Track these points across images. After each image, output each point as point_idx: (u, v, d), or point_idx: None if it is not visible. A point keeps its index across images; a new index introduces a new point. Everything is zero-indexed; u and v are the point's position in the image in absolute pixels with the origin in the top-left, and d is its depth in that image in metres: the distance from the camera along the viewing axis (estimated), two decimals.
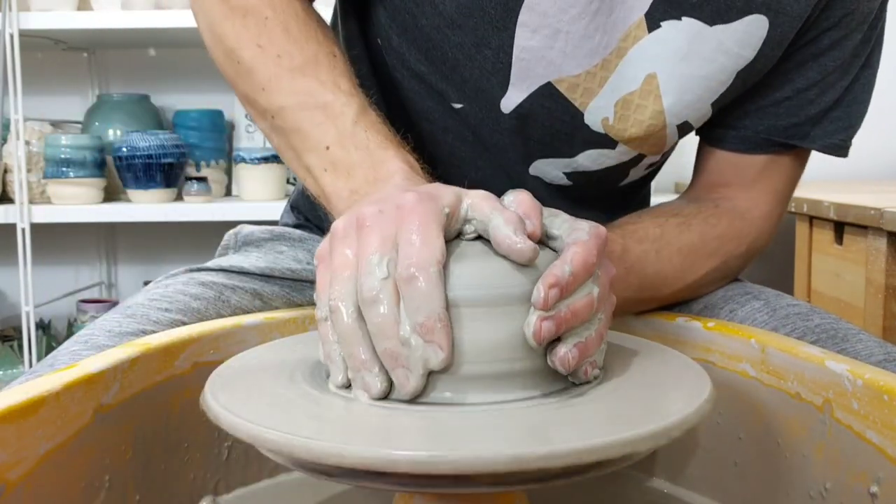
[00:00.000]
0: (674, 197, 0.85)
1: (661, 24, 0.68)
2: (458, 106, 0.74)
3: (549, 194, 0.79)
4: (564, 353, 0.46)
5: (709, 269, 0.74)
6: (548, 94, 0.71)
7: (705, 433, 0.62)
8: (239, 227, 0.87)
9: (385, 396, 0.45)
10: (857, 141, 0.77)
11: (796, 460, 0.55)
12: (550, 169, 0.77)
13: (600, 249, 0.48)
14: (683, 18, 0.68)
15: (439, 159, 0.77)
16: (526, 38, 0.68)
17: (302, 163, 0.64)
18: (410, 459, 0.39)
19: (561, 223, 0.50)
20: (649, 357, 0.53)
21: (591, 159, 0.76)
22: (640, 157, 0.77)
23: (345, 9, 0.81)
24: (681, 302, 0.75)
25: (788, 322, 0.69)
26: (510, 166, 0.77)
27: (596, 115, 0.72)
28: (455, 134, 0.77)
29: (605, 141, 0.74)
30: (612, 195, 0.84)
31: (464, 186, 0.50)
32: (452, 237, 0.48)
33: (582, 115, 0.72)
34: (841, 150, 0.76)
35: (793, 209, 1.56)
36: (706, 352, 0.62)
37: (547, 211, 0.50)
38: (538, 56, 0.69)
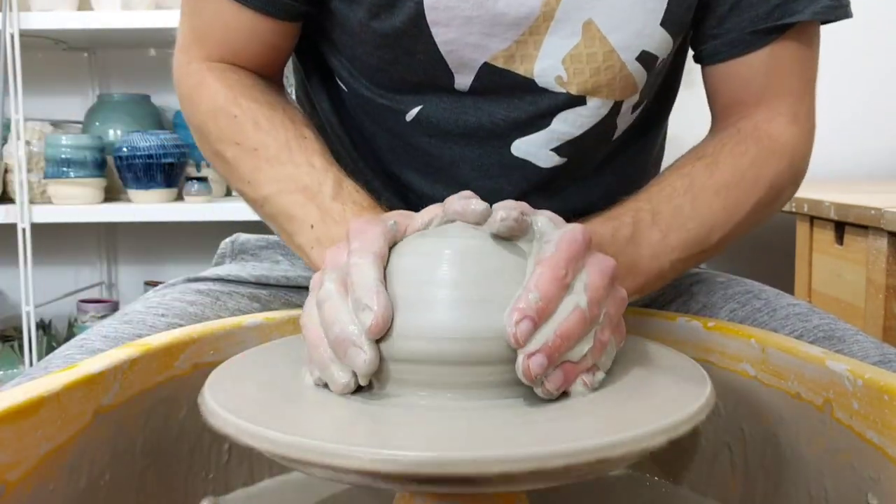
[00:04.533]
0: None
1: None
2: (417, 109, 0.74)
3: (551, 180, 0.77)
4: (525, 363, 0.43)
5: (756, 200, 0.71)
6: (490, 72, 0.72)
7: (705, 433, 0.62)
8: (235, 236, 0.88)
9: (356, 390, 0.46)
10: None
11: (796, 460, 0.55)
12: (535, 149, 0.75)
13: (573, 255, 0.46)
14: None
15: (424, 174, 0.78)
16: (443, 33, 0.70)
17: (294, 242, 0.68)
18: (416, 460, 0.39)
19: (544, 223, 0.49)
20: (650, 357, 0.53)
21: (568, 123, 0.74)
22: (618, 105, 0.75)
23: (305, 66, 0.83)
24: (738, 240, 0.72)
25: (788, 323, 0.69)
26: (493, 151, 0.76)
27: (547, 76, 0.72)
28: (428, 141, 0.76)
29: (572, 100, 0.73)
30: (616, 158, 0.81)
31: (464, 187, 0.54)
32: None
33: (533, 80, 0.72)
34: (837, 10, 0.72)
35: (793, 209, 1.55)
36: (706, 352, 0.62)
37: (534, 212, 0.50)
38: (462, 44, 0.70)
